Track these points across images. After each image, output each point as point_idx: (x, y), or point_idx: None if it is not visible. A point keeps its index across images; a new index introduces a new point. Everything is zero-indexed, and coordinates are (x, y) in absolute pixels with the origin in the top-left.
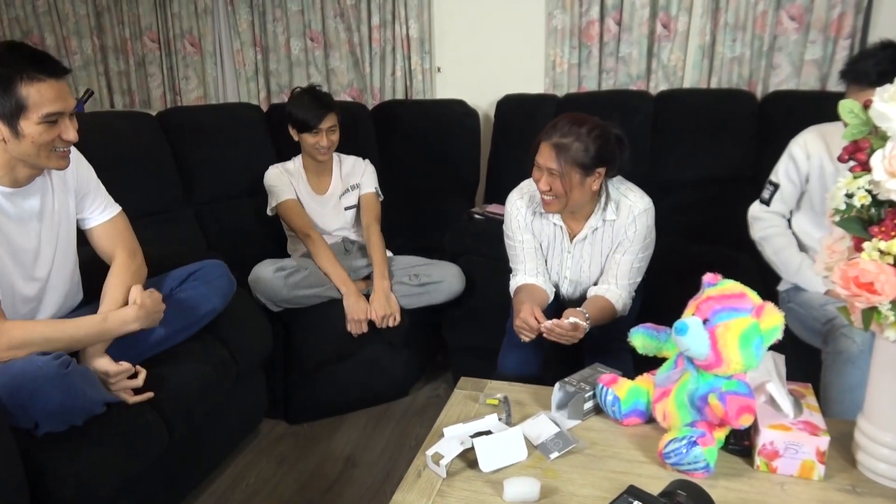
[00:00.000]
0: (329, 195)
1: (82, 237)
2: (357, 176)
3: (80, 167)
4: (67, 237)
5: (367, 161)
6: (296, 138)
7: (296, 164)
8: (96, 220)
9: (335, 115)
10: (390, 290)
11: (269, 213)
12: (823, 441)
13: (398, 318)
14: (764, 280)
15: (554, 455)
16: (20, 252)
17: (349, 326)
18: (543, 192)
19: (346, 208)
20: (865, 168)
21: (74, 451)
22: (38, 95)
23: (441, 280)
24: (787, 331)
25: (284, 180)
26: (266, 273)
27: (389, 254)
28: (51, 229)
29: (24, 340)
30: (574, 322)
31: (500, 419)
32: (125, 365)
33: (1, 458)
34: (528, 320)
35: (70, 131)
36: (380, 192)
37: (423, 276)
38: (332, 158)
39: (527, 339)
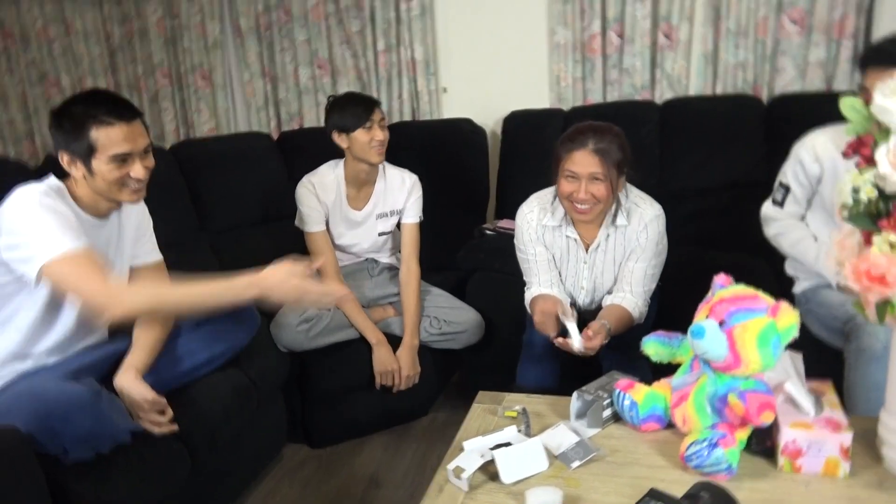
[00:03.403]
0: (365, 213)
1: None
2: (400, 200)
3: (143, 210)
4: (121, 272)
5: (416, 179)
6: (344, 145)
7: (336, 173)
8: (143, 260)
9: (381, 111)
10: (417, 351)
11: (296, 223)
12: (846, 437)
13: (416, 380)
14: (780, 284)
15: (575, 464)
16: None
17: (379, 378)
18: (581, 202)
19: (380, 234)
20: (870, 162)
21: (101, 479)
22: (107, 138)
23: (463, 331)
24: (806, 331)
25: (315, 206)
26: (289, 327)
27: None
28: (113, 264)
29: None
30: (578, 349)
31: (519, 431)
32: (162, 399)
33: (28, 485)
34: (547, 308)
35: (138, 169)
36: (422, 216)
37: (445, 323)
38: (378, 169)
39: (552, 334)
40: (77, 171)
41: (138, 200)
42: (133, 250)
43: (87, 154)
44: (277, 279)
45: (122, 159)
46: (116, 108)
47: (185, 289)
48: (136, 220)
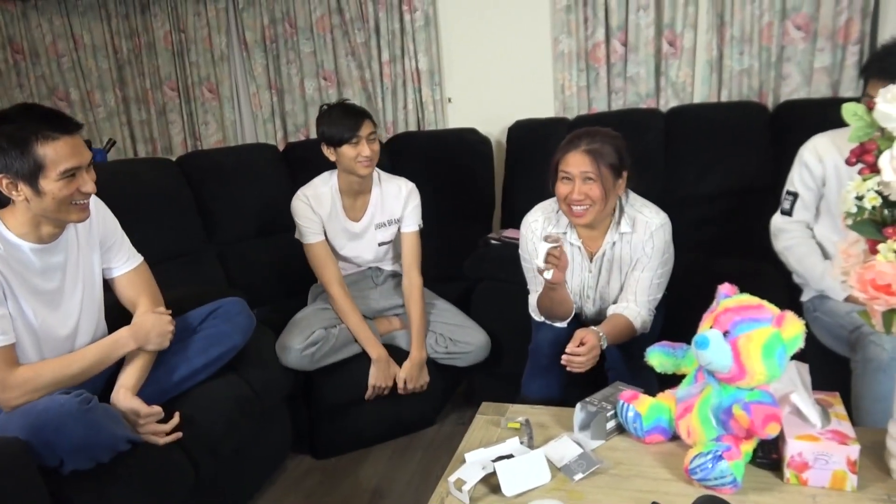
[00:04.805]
0: (363, 224)
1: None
2: (398, 209)
3: (106, 220)
4: (91, 290)
5: (413, 187)
6: (332, 157)
7: (330, 185)
8: (121, 269)
9: (371, 123)
10: (425, 363)
11: (295, 236)
12: (854, 450)
13: (425, 387)
14: (790, 290)
15: (578, 476)
16: (47, 295)
17: (369, 392)
18: (576, 203)
19: (380, 244)
20: (874, 170)
21: (102, 490)
22: (55, 153)
23: (468, 351)
24: (813, 340)
25: (311, 217)
26: (293, 351)
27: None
28: (74, 283)
29: (37, 384)
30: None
31: (521, 442)
32: (156, 408)
33: (29, 495)
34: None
35: (88, 184)
36: (421, 223)
37: (451, 342)
38: (373, 179)
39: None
40: (19, 194)
41: (85, 219)
42: (106, 262)
43: (32, 173)
44: (149, 324)
45: (72, 174)
46: (58, 121)
47: (76, 359)
48: (100, 233)
